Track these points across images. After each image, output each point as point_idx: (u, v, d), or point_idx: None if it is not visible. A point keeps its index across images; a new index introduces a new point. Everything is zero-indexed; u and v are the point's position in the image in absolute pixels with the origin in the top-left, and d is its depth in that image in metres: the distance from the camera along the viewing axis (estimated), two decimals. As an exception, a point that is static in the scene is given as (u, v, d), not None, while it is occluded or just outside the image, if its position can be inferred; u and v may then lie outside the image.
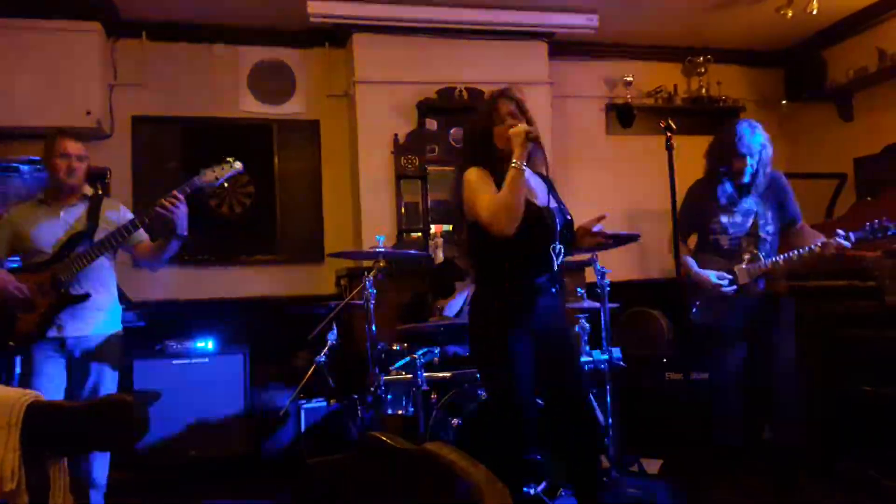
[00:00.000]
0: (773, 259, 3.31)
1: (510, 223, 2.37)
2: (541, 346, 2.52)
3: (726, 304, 3.36)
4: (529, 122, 2.53)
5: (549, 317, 2.53)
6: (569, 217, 2.61)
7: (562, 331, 2.63)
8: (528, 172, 2.45)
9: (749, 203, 3.39)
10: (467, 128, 2.69)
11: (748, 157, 3.31)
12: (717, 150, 3.42)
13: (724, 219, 3.40)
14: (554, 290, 2.55)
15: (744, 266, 3.35)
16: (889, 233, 3.16)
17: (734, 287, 3.33)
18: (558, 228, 2.54)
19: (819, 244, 3.22)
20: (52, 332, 2.98)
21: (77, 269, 3.00)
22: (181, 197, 3.02)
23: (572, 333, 2.67)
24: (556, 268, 2.52)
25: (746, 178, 3.34)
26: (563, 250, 2.54)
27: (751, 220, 3.38)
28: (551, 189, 2.66)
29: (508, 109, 2.55)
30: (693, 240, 3.56)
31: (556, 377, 2.56)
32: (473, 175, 2.52)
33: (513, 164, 2.37)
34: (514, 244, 2.42)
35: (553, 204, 2.59)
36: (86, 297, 3.05)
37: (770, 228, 3.37)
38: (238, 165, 3.14)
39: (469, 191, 2.51)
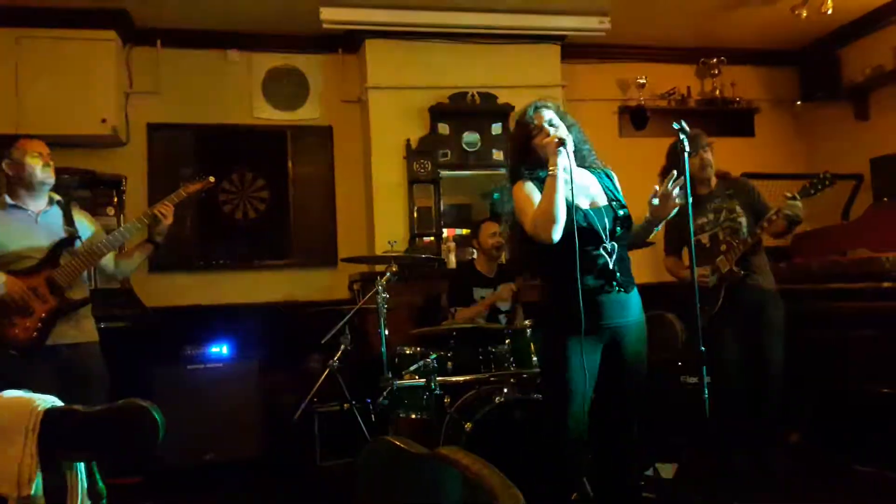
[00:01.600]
0: (745, 238, 3.47)
1: (551, 230, 2.40)
2: (604, 347, 2.53)
3: (715, 301, 3.50)
4: (571, 129, 2.55)
5: (610, 316, 2.50)
6: (621, 212, 2.59)
7: (623, 329, 2.55)
8: (577, 173, 2.48)
9: (715, 202, 3.61)
10: (510, 143, 2.78)
11: (700, 154, 3.56)
12: (669, 162, 3.51)
13: (699, 220, 3.61)
14: (612, 288, 2.51)
15: (723, 255, 3.51)
16: (828, 182, 3.40)
17: (717, 278, 3.51)
18: (608, 227, 2.53)
19: (775, 214, 3.40)
20: (50, 340, 2.86)
21: (76, 273, 2.93)
22: (172, 207, 3.07)
23: (637, 333, 2.62)
24: (610, 266, 2.51)
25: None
26: (616, 247, 2.53)
27: (722, 214, 3.58)
28: (608, 185, 2.66)
29: (546, 118, 2.56)
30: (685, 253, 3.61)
31: (611, 379, 2.55)
32: (519, 189, 2.59)
33: (549, 172, 2.41)
34: (561, 249, 2.43)
35: (603, 202, 2.59)
36: (87, 301, 3.00)
37: (742, 220, 3.52)
38: (211, 179, 3.29)
39: (517, 206, 2.59)
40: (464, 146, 5.12)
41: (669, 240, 3.75)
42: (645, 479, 3.47)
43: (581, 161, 2.61)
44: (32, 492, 1.60)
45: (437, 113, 5.07)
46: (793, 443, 3.68)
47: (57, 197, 3.09)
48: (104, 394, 2.95)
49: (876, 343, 3.86)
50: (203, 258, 4.98)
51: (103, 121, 4.59)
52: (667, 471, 3.67)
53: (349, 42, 5.17)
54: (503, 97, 5.14)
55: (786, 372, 3.54)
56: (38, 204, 3.00)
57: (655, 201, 2.53)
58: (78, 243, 3.01)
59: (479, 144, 5.14)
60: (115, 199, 4.52)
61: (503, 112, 5.15)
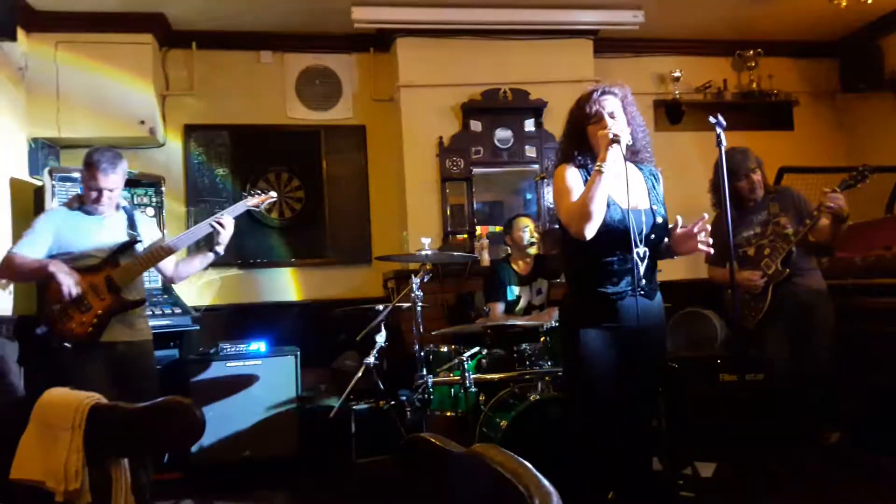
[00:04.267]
0: (788, 237, 3.49)
1: (585, 227, 2.36)
2: (622, 349, 2.49)
3: (763, 302, 3.52)
4: (631, 122, 2.50)
5: (631, 319, 2.44)
6: (659, 219, 2.54)
7: (643, 334, 2.47)
8: (624, 172, 2.39)
9: (761, 215, 3.63)
10: (566, 122, 2.64)
11: (749, 176, 3.60)
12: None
13: (745, 233, 3.64)
14: (639, 293, 2.46)
15: (767, 258, 3.54)
16: (867, 174, 3.40)
17: (766, 280, 3.52)
18: (645, 231, 2.47)
19: (817, 210, 3.39)
20: (105, 337, 3.00)
21: (134, 275, 3.08)
22: (232, 219, 3.19)
23: (658, 337, 2.59)
24: (640, 271, 2.45)
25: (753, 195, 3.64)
26: (648, 253, 2.48)
27: (769, 228, 3.59)
28: (651, 184, 2.61)
29: (608, 107, 2.48)
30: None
31: (628, 378, 2.52)
32: (561, 174, 2.53)
33: (596, 167, 2.36)
34: (593, 247, 2.41)
35: (644, 205, 2.54)
36: (143, 301, 3.15)
37: (789, 231, 3.51)
38: (273, 195, 3.42)
39: (556, 191, 2.55)
40: (496, 143, 5.11)
41: (715, 249, 3.67)
42: (683, 478, 3.43)
43: (633, 156, 2.53)
44: (78, 486, 1.64)
45: (469, 110, 5.06)
46: (833, 443, 3.62)
47: (123, 203, 3.26)
48: (154, 391, 3.02)
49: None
50: (241, 257, 5.04)
51: (141, 122, 4.68)
52: (706, 469, 3.62)
53: (381, 41, 5.19)
54: (535, 93, 5.11)
55: (830, 375, 3.50)
56: (106, 209, 3.14)
57: (679, 230, 2.47)
58: (140, 247, 3.16)
59: (512, 141, 5.12)
60: (155, 200, 4.60)
61: (536, 108, 5.13)
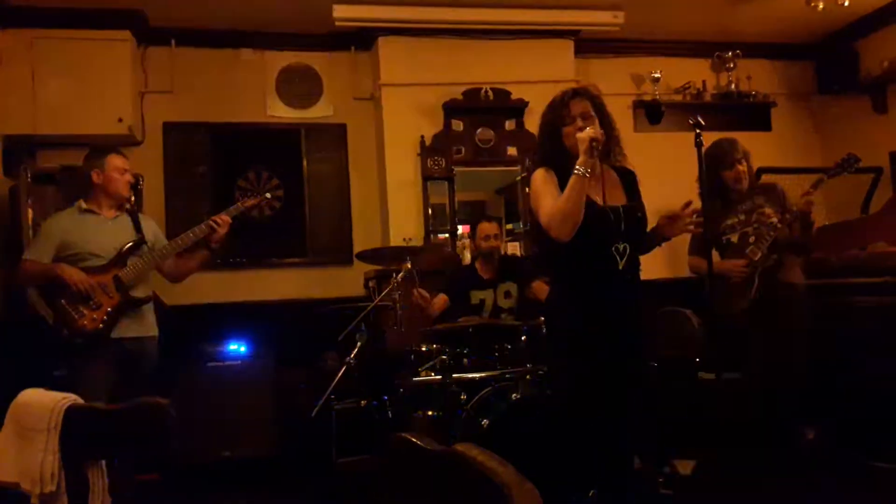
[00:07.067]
0: (774, 225, 3.52)
1: (566, 230, 2.39)
2: (604, 347, 2.50)
3: (749, 292, 3.53)
4: (604, 122, 2.51)
5: (614, 316, 2.47)
6: (639, 214, 2.56)
7: (625, 332, 2.52)
8: (601, 169, 2.43)
9: (745, 203, 3.68)
10: (540, 125, 2.66)
11: (736, 166, 3.65)
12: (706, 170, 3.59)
13: (729, 221, 3.69)
14: (619, 289, 2.49)
15: (753, 245, 3.56)
16: (854, 162, 3.54)
17: (753, 266, 3.55)
18: (623, 228, 2.49)
19: (789, 213, 3.49)
20: (115, 333, 3.16)
21: (140, 274, 3.25)
22: (229, 219, 3.37)
23: (639, 335, 2.61)
24: (620, 268, 2.48)
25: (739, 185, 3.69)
26: (628, 249, 2.51)
27: (753, 216, 3.62)
28: (628, 185, 2.63)
29: (581, 109, 2.50)
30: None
31: (609, 376, 2.52)
32: (538, 177, 2.55)
33: (575, 171, 2.36)
34: (574, 246, 2.43)
35: (621, 202, 2.56)
36: (149, 299, 3.31)
37: (774, 220, 3.54)
38: (268, 195, 3.78)
39: (533, 193, 2.56)
40: (478, 142, 5.11)
41: (697, 239, 3.72)
42: (663, 476, 3.46)
43: (606, 156, 2.57)
44: (54, 488, 1.62)
45: (451, 109, 5.06)
46: (809, 440, 3.67)
47: (127, 205, 3.44)
48: (153, 387, 3.17)
49: (895, 338, 3.81)
50: (220, 257, 5.00)
51: (119, 120, 4.63)
52: (685, 467, 3.65)
53: (362, 39, 5.17)
54: (517, 93, 5.12)
55: (808, 372, 3.55)
56: (111, 210, 3.33)
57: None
58: (144, 247, 3.32)
59: (493, 140, 5.13)
60: (133, 198, 4.54)
61: (517, 108, 5.14)
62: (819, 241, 4.07)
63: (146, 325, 3.32)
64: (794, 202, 3.48)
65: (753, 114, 5.88)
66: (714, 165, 3.56)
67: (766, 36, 5.74)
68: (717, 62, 5.80)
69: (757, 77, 5.82)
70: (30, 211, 4.15)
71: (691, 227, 2.48)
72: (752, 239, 3.57)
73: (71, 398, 1.69)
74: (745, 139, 3.84)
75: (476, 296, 3.99)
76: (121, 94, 4.68)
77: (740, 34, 5.64)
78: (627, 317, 2.52)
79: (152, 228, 3.47)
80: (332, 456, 3.65)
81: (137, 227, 3.35)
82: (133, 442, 1.66)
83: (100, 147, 3.39)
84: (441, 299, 3.98)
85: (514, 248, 5.09)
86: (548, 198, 2.47)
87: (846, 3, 4.60)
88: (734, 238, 3.67)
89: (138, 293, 3.26)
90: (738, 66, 5.72)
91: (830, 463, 3.60)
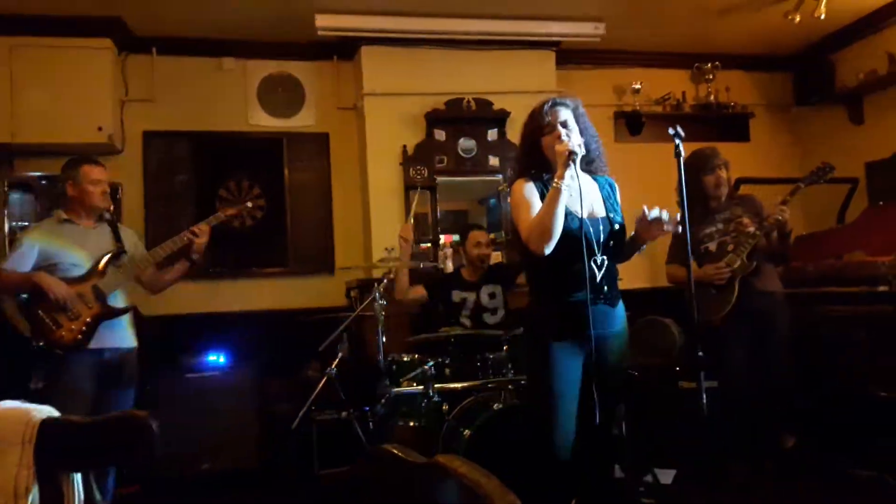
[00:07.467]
0: (752, 233, 3.54)
1: (544, 243, 2.39)
2: (585, 357, 2.50)
3: (728, 300, 3.55)
4: (585, 133, 2.53)
5: (593, 327, 2.45)
6: (616, 226, 2.57)
7: (606, 342, 2.53)
8: (581, 179, 2.43)
9: (724, 213, 3.70)
10: (521, 134, 2.67)
11: (717, 171, 3.69)
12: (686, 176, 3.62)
13: (707, 230, 3.71)
14: (600, 301, 2.50)
15: (732, 253, 3.57)
16: (829, 171, 3.65)
17: (730, 275, 3.56)
18: (602, 239, 2.51)
19: (780, 201, 3.53)
20: (93, 344, 3.12)
21: (120, 284, 3.23)
22: (209, 228, 3.35)
23: (620, 345, 2.62)
24: (598, 279, 2.49)
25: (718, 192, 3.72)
26: (606, 261, 2.52)
27: (731, 225, 3.64)
28: (608, 195, 2.64)
29: (560, 119, 2.51)
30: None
31: (590, 386, 2.52)
32: (518, 189, 2.55)
33: (553, 185, 2.37)
34: (551, 259, 2.42)
35: (600, 213, 2.57)
36: (128, 309, 3.27)
37: (751, 229, 3.55)
38: (249, 204, 3.73)
39: (513, 204, 2.57)
40: (460, 152, 5.12)
41: (676, 248, 3.77)
42: (644, 485, 3.47)
43: (587, 166, 2.58)
44: (28, 503, 1.59)
45: (433, 119, 5.07)
46: (788, 447, 3.70)
47: (107, 215, 3.40)
48: (133, 398, 3.26)
49: (871, 347, 3.86)
50: (200, 267, 4.96)
51: (99, 129, 4.59)
52: (666, 476, 3.67)
53: (344, 49, 5.18)
54: (499, 103, 5.15)
55: (787, 379, 3.58)
56: (90, 220, 3.31)
57: (651, 215, 2.45)
58: (123, 257, 3.29)
59: (476, 150, 5.14)
60: (111, 207, 4.51)
61: (499, 118, 5.16)
62: (796, 251, 4.13)
63: (125, 336, 3.29)
64: (771, 211, 3.53)
65: (732, 124, 5.95)
66: (695, 171, 3.60)
67: (745, 48, 5.82)
68: (697, 73, 5.87)
69: (736, 88, 5.90)
70: (6, 220, 4.11)
71: (669, 227, 2.45)
72: (730, 247, 3.59)
73: (46, 411, 1.66)
74: (725, 149, 3.88)
75: (458, 295, 4.00)
76: (101, 103, 4.64)
77: (719, 46, 5.72)
78: (605, 327, 2.52)
79: (132, 238, 3.44)
80: (314, 467, 3.63)
81: (117, 237, 3.32)
82: (111, 455, 1.64)
83: (77, 157, 3.35)
84: (417, 291, 3.97)
85: (496, 258, 5.09)
86: (527, 210, 2.48)
87: (822, 17, 4.68)
88: (712, 247, 3.69)
89: (117, 303, 3.24)
90: (717, 78, 5.80)
91: (810, 470, 3.63)
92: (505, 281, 4.06)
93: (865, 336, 3.90)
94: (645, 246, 2.61)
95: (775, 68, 6.10)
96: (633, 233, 2.58)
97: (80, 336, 3.09)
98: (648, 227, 2.48)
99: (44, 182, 4.43)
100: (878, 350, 3.83)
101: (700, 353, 2.52)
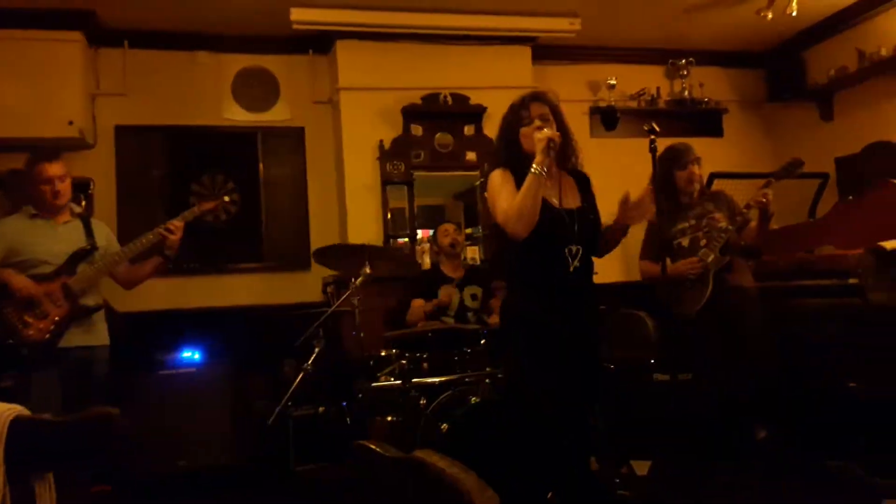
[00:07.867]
0: (725, 228, 3.56)
1: (522, 227, 2.42)
2: (560, 349, 2.51)
3: (702, 294, 3.55)
4: (560, 128, 2.56)
5: (567, 318, 2.50)
6: (592, 216, 2.61)
7: (580, 334, 2.56)
8: (557, 172, 2.50)
9: (696, 209, 3.70)
10: (499, 126, 2.72)
11: (689, 167, 3.68)
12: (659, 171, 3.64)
13: (680, 226, 3.71)
14: (571, 290, 2.53)
15: (705, 248, 3.58)
16: (798, 166, 3.63)
17: (704, 270, 3.56)
18: (577, 229, 2.54)
19: (746, 207, 3.54)
20: (63, 342, 3.06)
21: (91, 282, 3.15)
22: (182, 224, 3.27)
23: (594, 337, 2.65)
24: (571, 269, 2.52)
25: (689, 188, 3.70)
26: (581, 250, 2.55)
27: (703, 220, 3.65)
28: (583, 188, 2.68)
29: (539, 112, 2.57)
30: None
31: (566, 378, 2.54)
32: (496, 177, 2.59)
33: (532, 170, 2.40)
34: (527, 246, 2.47)
35: (575, 204, 2.60)
36: (100, 307, 3.20)
37: (723, 224, 3.58)
38: (226, 199, 3.75)
39: (490, 192, 2.60)
40: (436, 147, 5.12)
41: (649, 244, 3.80)
42: (620, 477, 3.50)
43: (563, 160, 2.63)
44: (-1, 503, 1.56)
45: (410, 114, 5.06)
46: (760, 440, 3.75)
47: (78, 210, 3.34)
48: (103, 397, 3.12)
49: (842, 339, 3.93)
50: (173, 262, 4.90)
51: (70, 123, 4.52)
52: (641, 468, 3.70)
53: (320, 43, 5.14)
54: (475, 98, 5.15)
55: (761, 373, 3.62)
56: (60, 216, 3.22)
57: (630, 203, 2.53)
58: (95, 254, 3.21)
59: (452, 145, 5.14)
60: (83, 202, 4.45)
61: (475, 113, 5.16)
62: (768, 245, 4.18)
63: (96, 334, 3.22)
64: (750, 200, 3.54)
65: (706, 120, 6.01)
66: (668, 165, 3.63)
67: (719, 44, 5.88)
68: (671, 69, 5.92)
69: (709, 84, 5.96)
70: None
71: (652, 207, 2.55)
72: (703, 242, 3.61)
73: (16, 409, 1.63)
74: (698, 145, 3.91)
75: (444, 291, 4.01)
76: (71, 97, 4.57)
77: (694, 42, 5.77)
78: (579, 318, 2.55)
79: (105, 234, 3.36)
80: (290, 463, 3.61)
81: (89, 233, 3.24)
82: (82, 454, 1.62)
83: (35, 153, 3.24)
84: (419, 307, 4.01)
85: (472, 252, 5.11)
86: (505, 196, 2.51)
87: (794, 14, 4.74)
88: (685, 242, 3.70)
89: (88, 301, 3.16)
90: (691, 74, 5.85)
91: (783, 463, 3.68)
92: (483, 282, 4.11)
93: (836, 328, 3.96)
94: (624, 234, 2.67)
95: (748, 65, 6.17)
96: (615, 220, 2.62)
97: (48, 335, 3.02)
98: (630, 211, 2.55)
99: (11, 177, 4.34)
100: (848, 342, 3.89)
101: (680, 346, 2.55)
